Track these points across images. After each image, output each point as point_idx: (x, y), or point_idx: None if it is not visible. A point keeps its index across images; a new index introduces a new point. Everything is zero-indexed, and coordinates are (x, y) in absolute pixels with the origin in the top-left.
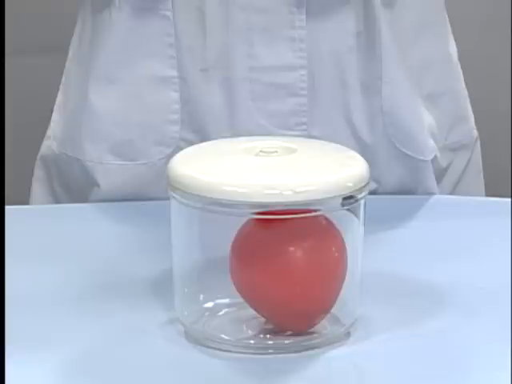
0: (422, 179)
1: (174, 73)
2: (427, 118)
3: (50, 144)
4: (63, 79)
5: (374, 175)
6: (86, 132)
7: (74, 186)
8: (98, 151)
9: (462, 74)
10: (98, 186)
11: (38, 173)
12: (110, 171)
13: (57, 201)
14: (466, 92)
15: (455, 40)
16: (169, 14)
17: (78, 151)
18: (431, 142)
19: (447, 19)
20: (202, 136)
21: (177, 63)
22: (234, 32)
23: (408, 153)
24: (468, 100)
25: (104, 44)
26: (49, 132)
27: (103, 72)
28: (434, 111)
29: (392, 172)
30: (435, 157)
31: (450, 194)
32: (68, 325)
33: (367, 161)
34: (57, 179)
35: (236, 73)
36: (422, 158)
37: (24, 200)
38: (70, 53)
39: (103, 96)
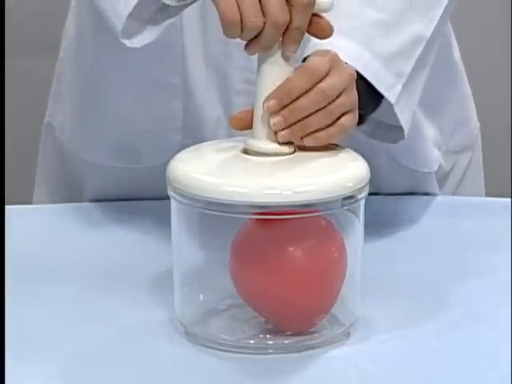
0: (424, 187)
1: (179, 81)
2: (430, 131)
3: (52, 122)
4: (59, 68)
5: (375, 184)
6: (89, 134)
7: (75, 181)
8: (99, 153)
9: (465, 76)
10: (98, 186)
11: (45, 142)
12: (110, 173)
13: (63, 170)
14: (469, 93)
15: (457, 40)
16: (176, 22)
17: (81, 151)
18: (436, 153)
19: (451, 27)
20: None
21: (181, 71)
22: (233, 45)
23: (412, 167)
24: (472, 99)
25: (110, 50)
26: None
27: (108, 76)
28: (436, 119)
29: (394, 182)
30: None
31: (453, 193)
32: (68, 324)
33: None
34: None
35: (233, 84)
36: (426, 170)
37: (24, 200)
38: (67, 44)
39: (107, 100)
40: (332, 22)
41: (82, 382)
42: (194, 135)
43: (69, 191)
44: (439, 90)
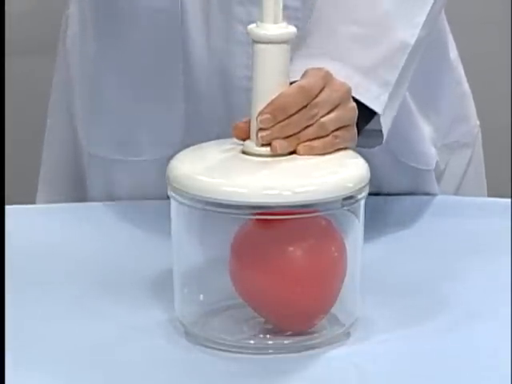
0: (424, 186)
1: (180, 78)
2: (426, 127)
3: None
4: (66, 58)
5: (375, 184)
6: (92, 126)
7: (80, 176)
8: (101, 145)
9: (463, 74)
10: (100, 184)
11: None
12: (112, 168)
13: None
14: (468, 91)
15: (456, 39)
16: (178, 20)
17: (85, 142)
18: (433, 150)
19: (447, 26)
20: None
21: (183, 69)
22: (235, 43)
23: (412, 164)
24: (471, 98)
25: (111, 48)
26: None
27: (110, 73)
28: (431, 116)
29: (394, 181)
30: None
31: (454, 193)
32: (68, 324)
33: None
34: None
35: (235, 82)
36: (425, 167)
37: (24, 200)
38: (71, 35)
39: (109, 95)
40: (312, 42)
41: (82, 382)
42: (195, 132)
43: (73, 189)
44: (434, 88)
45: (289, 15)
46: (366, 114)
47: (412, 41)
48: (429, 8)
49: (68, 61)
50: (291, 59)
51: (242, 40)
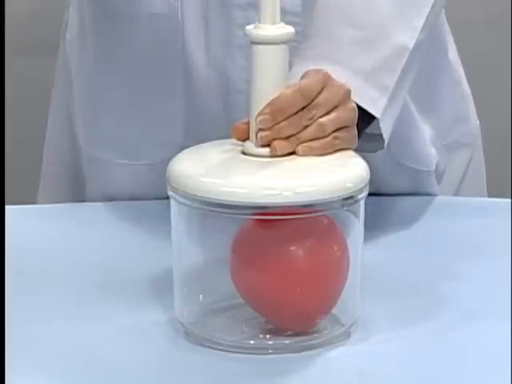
0: (424, 187)
1: (180, 80)
2: (426, 128)
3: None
4: (64, 62)
5: (375, 184)
6: (92, 128)
7: (80, 177)
8: (101, 148)
9: (463, 74)
10: (99, 186)
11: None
12: (111, 171)
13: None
14: (467, 91)
15: (456, 39)
16: (177, 23)
17: (85, 145)
18: (433, 151)
19: (447, 26)
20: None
21: (183, 71)
22: (235, 46)
23: (412, 165)
24: (470, 98)
25: (111, 50)
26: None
27: (110, 76)
28: (431, 117)
29: (394, 182)
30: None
31: (454, 193)
32: (67, 325)
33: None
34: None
35: (235, 84)
36: (425, 168)
37: (24, 200)
38: (70, 37)
39: (109, 98)
40: (311, 45)
41: (82, 382)
42: (195, 134)
43: (73, 190)
44: (434, 88)
45: (288, 20)
46: (366, 118)
47: (411, 44)
48: (427, 11)
49: (67, 63)
50: (291, 62)
51: (242, 44)
